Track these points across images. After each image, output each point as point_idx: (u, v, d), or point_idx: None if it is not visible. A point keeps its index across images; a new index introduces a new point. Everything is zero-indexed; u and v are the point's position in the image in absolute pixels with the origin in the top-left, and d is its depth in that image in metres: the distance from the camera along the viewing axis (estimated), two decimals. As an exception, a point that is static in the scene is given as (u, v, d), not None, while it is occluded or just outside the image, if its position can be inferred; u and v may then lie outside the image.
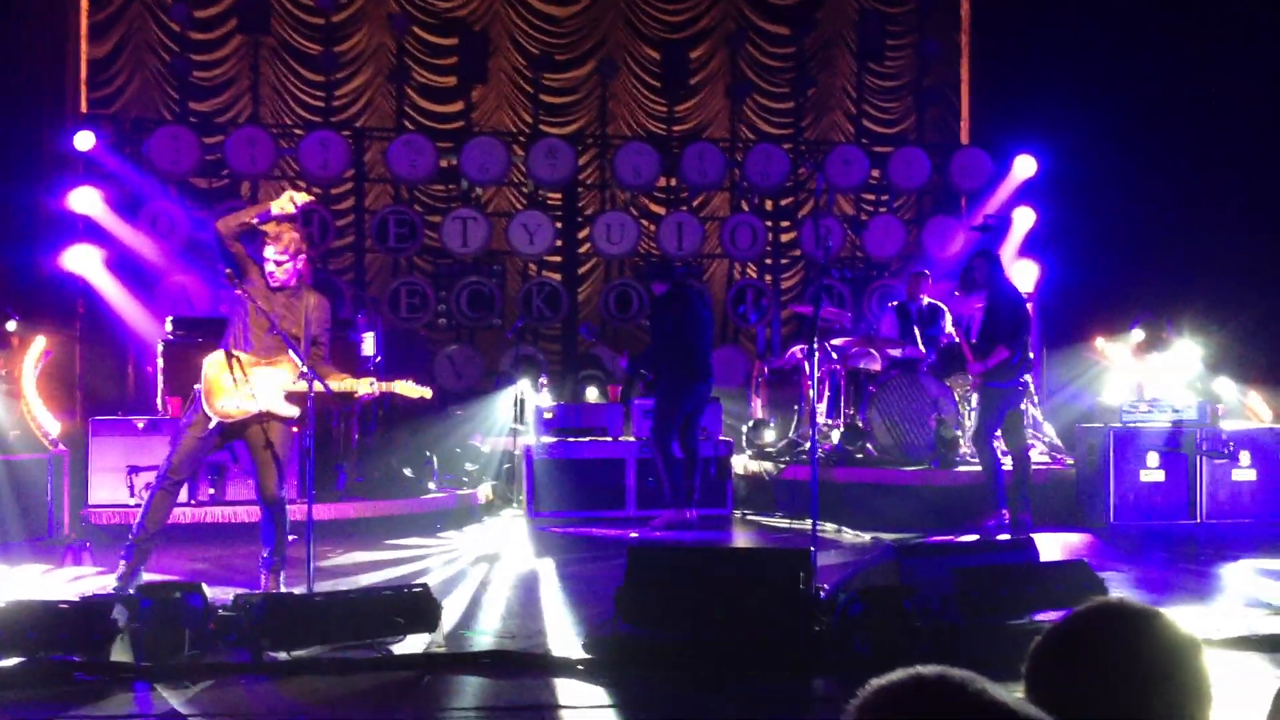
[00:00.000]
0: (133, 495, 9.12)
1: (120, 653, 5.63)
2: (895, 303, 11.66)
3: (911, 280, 11.52)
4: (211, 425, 6.73)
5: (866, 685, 1.49)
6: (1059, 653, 1.82)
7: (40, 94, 12.07)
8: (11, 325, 9.28)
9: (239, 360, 6.68)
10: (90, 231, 11.70)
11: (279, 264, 6.79)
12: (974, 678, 1.48)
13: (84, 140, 11.89)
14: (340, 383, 6.71)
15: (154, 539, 6.85)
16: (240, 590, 6.42)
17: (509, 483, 11.04)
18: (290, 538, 7.01)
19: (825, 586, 6.38)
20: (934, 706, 1.45)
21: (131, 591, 5.83)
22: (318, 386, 6.48)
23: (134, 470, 9.13)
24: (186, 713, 5.21)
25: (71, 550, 8.25)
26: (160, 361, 9.89)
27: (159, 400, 9.86)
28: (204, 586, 6.02)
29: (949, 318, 11.20)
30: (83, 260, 11.45)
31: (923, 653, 5.92)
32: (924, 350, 10.99)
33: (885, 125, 15.17)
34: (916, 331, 11.15)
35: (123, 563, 6.79)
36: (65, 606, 5.69)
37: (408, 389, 6.80)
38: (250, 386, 6.65)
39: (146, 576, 6.94)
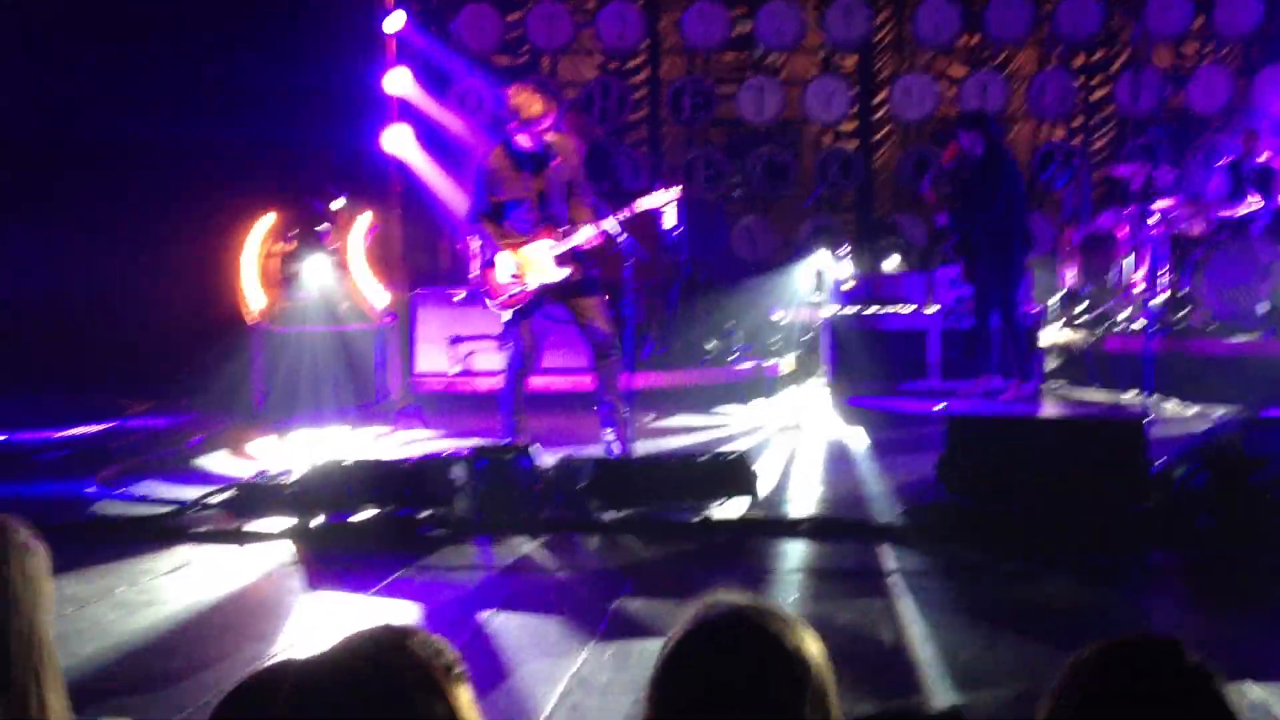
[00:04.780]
0: (454, 364, 9.54)
1: (458, 509, 5.96)
2: (1226, 160, 10.74)
3: (1246, 136, 10.56)
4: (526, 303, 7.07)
5: None
6: None
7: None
8: (339, 203, 9.78)
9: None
10: (404, 111, 12.14)
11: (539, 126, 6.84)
12: None
13: (395, 21, 12.27)
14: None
15: (524, 414, 7.25)
16: (564, 452, 6.65)
17: (809, 354, 10.97)
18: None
19: (1158, 459, 6.07)
20: None
21: (466, 453, 6.14)
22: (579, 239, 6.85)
23: (456, 340, 9.53)
24: (524, 566, 5.48)
25: (403, 415, 8.75)
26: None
27: (474, 273, 10.21)
28: (532, 449, 6.28)
29: (1289, 175, 10.26)
30: (399, 139, 11.91)
31: (1273, 529, 5.57)
32: (1258, 211, 10.12)
33: (1211, -35, 13.86)
34: (1250, 192, 10.26)
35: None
36: (409, 465, 6.06)
37: (651, 200, 6.87)
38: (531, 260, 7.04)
39: (472, 441, 7.30)
